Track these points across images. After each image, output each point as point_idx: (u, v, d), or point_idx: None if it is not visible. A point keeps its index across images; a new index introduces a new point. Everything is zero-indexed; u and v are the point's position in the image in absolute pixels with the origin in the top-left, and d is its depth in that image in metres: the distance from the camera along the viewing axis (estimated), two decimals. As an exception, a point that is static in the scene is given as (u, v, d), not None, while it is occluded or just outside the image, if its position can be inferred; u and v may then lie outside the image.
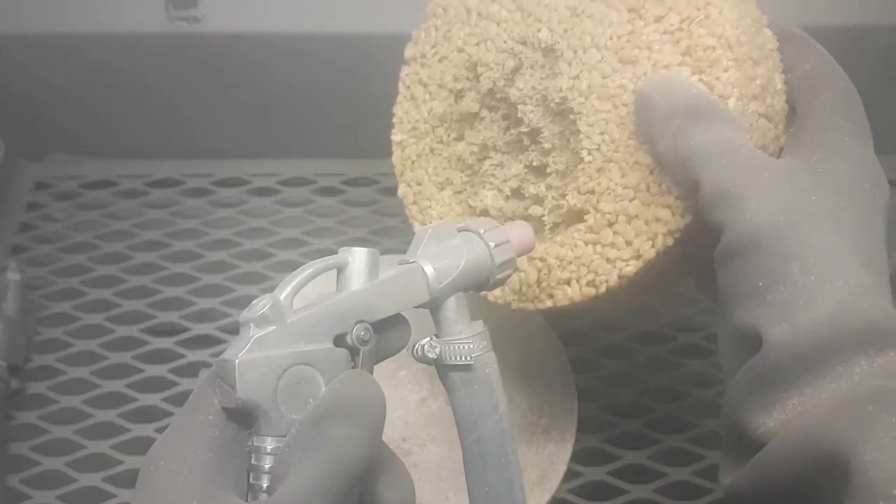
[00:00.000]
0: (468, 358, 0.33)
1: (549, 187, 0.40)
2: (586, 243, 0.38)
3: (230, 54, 0.60)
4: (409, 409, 0.49)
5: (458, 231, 0.34)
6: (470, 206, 0.44)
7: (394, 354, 0.33)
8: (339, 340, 0.30)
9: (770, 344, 0.31)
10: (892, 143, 0.61)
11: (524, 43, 0.40)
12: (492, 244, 0.34)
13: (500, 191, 0.42)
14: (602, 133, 0.37)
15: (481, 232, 0.34)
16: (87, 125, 0.64)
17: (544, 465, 0.46)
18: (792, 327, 0.31)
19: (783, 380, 0.31)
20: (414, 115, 0.44)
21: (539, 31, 0.39)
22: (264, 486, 0.28)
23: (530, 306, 0.40)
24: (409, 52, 0.45)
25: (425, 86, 0.44)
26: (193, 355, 0.54)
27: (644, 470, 0.49)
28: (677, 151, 0.34)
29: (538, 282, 0.39)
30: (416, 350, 0.33)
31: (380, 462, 0.30)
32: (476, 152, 0.43)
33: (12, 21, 0.59)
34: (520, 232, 0.36)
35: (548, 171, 0.40)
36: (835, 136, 0.35)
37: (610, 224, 0.37)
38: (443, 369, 0.34)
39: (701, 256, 0.34)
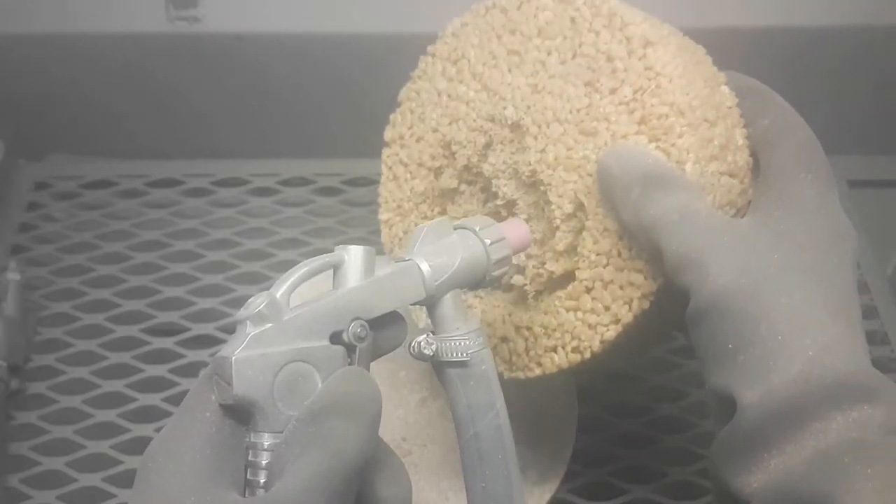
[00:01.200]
0: (464, 354, 0.33)
1: (528, 256, 0.41)
2: (567, 310, 0.39)
3: (230, 54, 0.60)
4: (409, 410, 0.49)
5: (455, 229, 0.35)
6: None
7: (391, 351, 0.33)
8: (335, 338, 0.30)
9: (745, 406, 0.31)
10: (890, 143, 0.61)
11: (492, 120, 0.41)
12: (487, 241, 0.34)
13: None
14: (571, 203, 0.38)
15: (477, 229, 0.34)
16: (88, 125, 0.65)
17: (544, 465, 0.46)
18: (764, 388, 0.31)
19: (762, 441, 0.31)
20: (397, 193, 0.46)
21: (504, 108, 0.41)
22: (261, 482, 0.29)
23: (521, 375, 0.40)
24: (388, 134, 0.46)
25: (406, 165, 0.45)
26: (193, 355, 0.55)
27: (644, 470, 0.49)
28: (639, 220, 0.35)
29: (526, 350, 0.40)
30: (413, 347, 0.33)
31: (377, 459, 0.30)
32: None
33: (12, 21, 0.59)
34: (516, 229, 0.36)
35: None
36: (794, 190, 0.35)
37: (588, 290, 0.38)
38: (439, 366, 0.34)
39: (681, 314, 0.35)
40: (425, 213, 0.45)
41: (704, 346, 0.33)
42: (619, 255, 0.37)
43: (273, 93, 0.62)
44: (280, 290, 0.29)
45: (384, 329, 0.32)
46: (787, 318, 0.31)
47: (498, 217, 0.42)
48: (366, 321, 0.31)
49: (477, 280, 0.34)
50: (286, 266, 0.59)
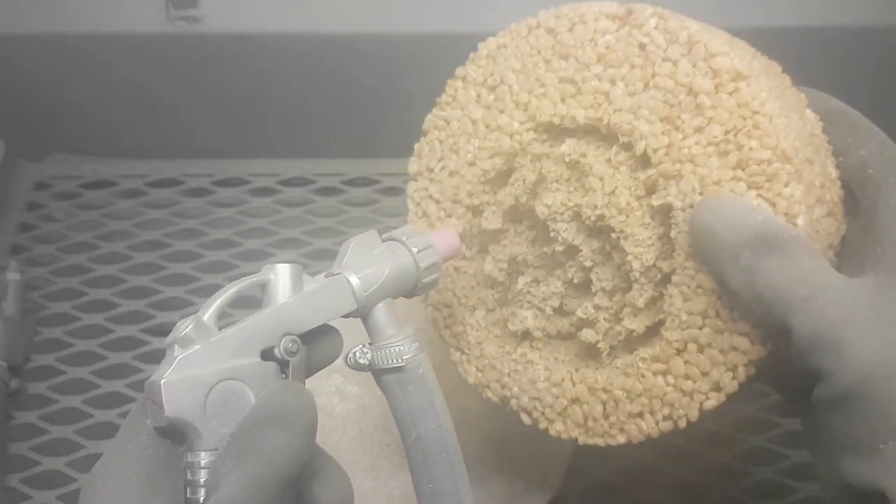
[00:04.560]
0: (400, 360, 0.33)
1: (597, 308, 0.37)
2: (655, 373, 0.35)
3: (230, 55, 0.60)
4: (409, 409, 0.49)
5: (383, 240, 0.35)
6: (510, 330, 0.40)
7: (327, 365, 0.33)
8: (266, 354, 0.30)
9: None
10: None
11: (545, 156, 0.37)
12: (415, 250, 0.34)
13: (540, 310, 0.39)
14: (653, 254, 0.35)
15: (404, 239, 0.35)
16: (87, 125, 0.64)
17: (544, 465, 0.46)
18: None
19: None
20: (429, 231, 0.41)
21: (562, 143, 0.36)
22: (201, 499, 0.29)
23: (600, 442, 0.37)
24: (413, 166, 0.41)
25: (437, 202, 0.40)
26: (193, 355, 0.55)
27: (644, 470, 0.49)
28: (755, 291, 0.31)
29: (605, 415, 0.36)
30: (349, 358, 0.33)
31: (315, 465, 0.31)
32: (505, 269, 0.39)
33: (12, 21, 0.59)
34: (444, 238, 0.36)
35: (592, 288, 0.37)
36: None
37: (679, 352, 0.34)
38: (377, 374, 0.34)
39: (785, 375, 0.32)
40: (463, 253, 0.40)
41: (840, 434, 0.30)
42: (718, 315, 0.33)
43: (273, 93, 0.62)
44: (207, 313, 0.30)
45: (317, 343, 0.32)
46: None
47: (554, 260, 0.39)
48: (297, 336, 0.31)
49: (408, 288, 0.35)
50: (286, 266, 0.60)
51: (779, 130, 0.32)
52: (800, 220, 0.32)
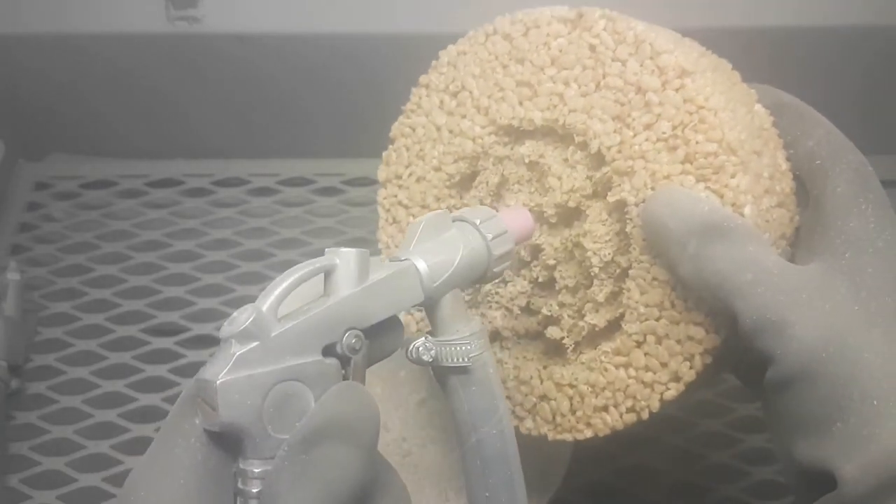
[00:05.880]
0: (465, 359, 0.31)
1: (561, 305, 0.38)
2: (617, 366, 0.35)
3: (230, 54, 0.60)
4: (408, 410, 0.49)
5: (454, 221, 0.33)
6: None
7: (387, 357, 0.31)
8: (328, 350, 0.28)
9: (846, 482, 0.29)
10: (890, 143, 0.61)
11: (507, 158, 0.38)
12: (489, 236, 0.32)
13: (508, 310, 0.39)
14: (610, 249, 0.36)
15: (477, 223, 0.32)
16: (87, 125, 0.64)
17: (544, 465, 0.46)
18: (864, 461, 0.29)
19: None
20: (399, 238, 0.42)
21: (521, 145, 0.37)
22: None
23: (568, 437, 0.37)
24: (382, 174, 0.42)
25: (407, 207, 0.42)
26: (193, 355, 0.55)
27: (644, 470, 0.49)
28: (702, 277, 0.31)
29: (572, 410, 0.37)
30: (411, 352, 0.31)
31: (376, 480, 0.28)
32: None
33: (12, 21, 0.59)
34: (518, 220, 0.34)
35: (556, 286, 0.38)
36: (859, 227, 0.32)
37: (638, 344, 0.35)
38: (438, 371, 0.32)
39: (742, 359, 0.33)
40: None
41: (790, 416, 0.31)
42: (673, 306, 0.34)
43: (273, 93, 0.62)
44: (267, 303, 0.27)
45: (380, 336, 0.30)
46: (879, 379, 0.29)
47: (519, 261, 0.39)
48: (361, 330, 0.29)
49: (477, 277, 0.33)
50: (286, 266, 0.59)
51: (724, 123, 0.33)
52: (747, 210, 0.33)
